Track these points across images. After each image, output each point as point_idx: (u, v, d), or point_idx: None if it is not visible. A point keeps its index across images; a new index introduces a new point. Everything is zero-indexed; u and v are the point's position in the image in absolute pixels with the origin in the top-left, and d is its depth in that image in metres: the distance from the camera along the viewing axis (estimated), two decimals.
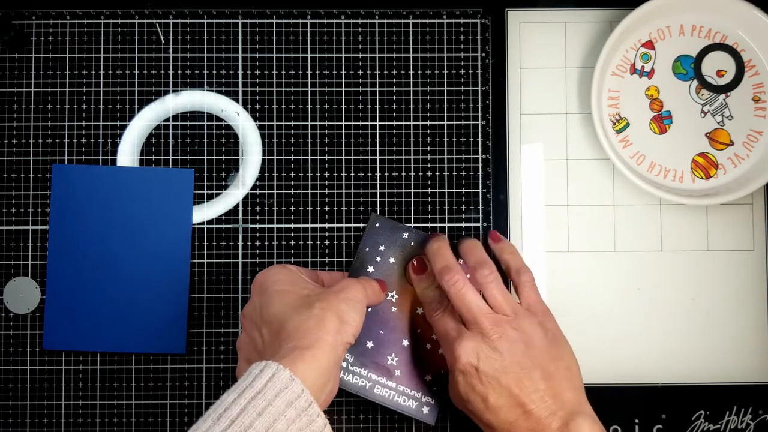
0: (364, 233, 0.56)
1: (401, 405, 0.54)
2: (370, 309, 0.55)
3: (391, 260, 0.55)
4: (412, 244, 0.56)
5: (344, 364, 0.54)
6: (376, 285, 0.51)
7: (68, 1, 0.58)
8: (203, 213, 0.57)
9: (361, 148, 0.58)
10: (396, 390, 0.54)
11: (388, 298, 0.55)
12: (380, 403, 0.54)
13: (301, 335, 0.43)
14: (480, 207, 0.58)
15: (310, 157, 0.58)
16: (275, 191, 0.57)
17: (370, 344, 0.55)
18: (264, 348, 0.45)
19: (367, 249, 0.55)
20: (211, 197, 0.57)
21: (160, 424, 0.56)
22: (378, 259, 0.55)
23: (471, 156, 0.58)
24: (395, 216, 0.57)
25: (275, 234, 0.57)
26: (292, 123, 0.58)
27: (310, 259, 0.57)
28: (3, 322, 0.56)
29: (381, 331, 0.55)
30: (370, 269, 0.55)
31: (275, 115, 0.58)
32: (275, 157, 0.58)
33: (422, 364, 0.55)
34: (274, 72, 0.58)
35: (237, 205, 0.57)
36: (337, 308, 0.45)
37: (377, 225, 0.56)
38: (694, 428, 0.57)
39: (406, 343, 0.55)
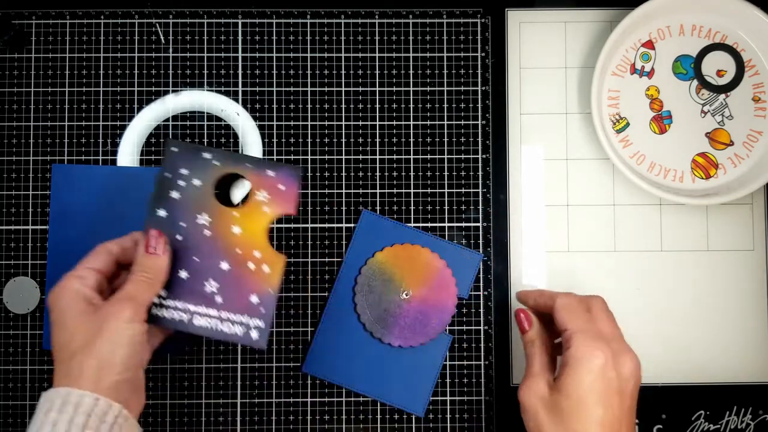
0: (162, 163, 0.51)
1: (227, 333, 0.49)
2: (180, 238, 0.50)
3: (197, 182, 0.51)
4: (218, 163, 0.51)
5: (157, 300, 0.49)
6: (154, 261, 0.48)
7: (68, 1, 0.58)
8: None
9: (361, 148, 0.58)
10: (219, 318, 0.49)
11: (198, 221, 0.50)
12: (203, 335, 0.49)
13: (66, 387, 0.43)
14: (480, 207, 0.58)
15: (310, 157, 0.58)
16: None
17: (184, 274, 0.49)
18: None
19: (168, 175, 0.51)
20: None
21: (160, 424, 0.56)
22: (182, 183, 0.51)
23: (471, 156, 0.58)
24: (395, 216, 0.57)
25: (275, 234, 0.57)
26: (292, 123, 0.58)
27: (309, 259, 0.57)
28: (3, 322, 0.56)
29: (195, 258, 0.50)
30: (174, 195, 0.50)
31: (275, 115, 0.58)
32: (275, 157, 0.58)
33: (246, 285, 0.50)
34: (274, 72, 0.58)
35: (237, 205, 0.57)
36: (97, 354, 0.43)
37: (175, 149, 0.51)
38: (694, 428, 0.57)
39: (225, 266, 0.50)
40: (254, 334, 0.49)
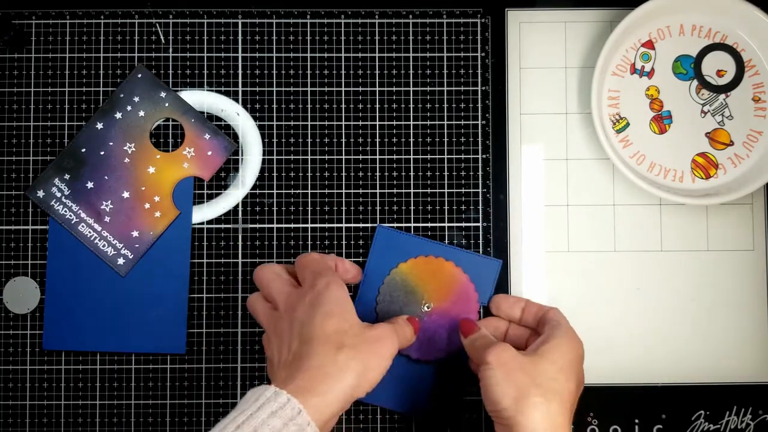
0: None
1: (99, 249, 0.55)
2: (103, 153, 0.55)
3: (141, 113, 0.56)
4: (167, 105, 0.56)
5: (59, 194, 0.56)
6: (410, 330, 0.50)
7: (68, 1, 0.58)
8: (203, 213, 0.57)
9: (361, 148, 0.58)
10: (100, 234, 0.55)
11: (125, 147, 0.55)
12: (81, 241, 0.55)
13: (318, 379, 0.42)
14: (480, 207, 0.58)
15: (310, 157, 0.58)
16: (275, 191, 0.57)
17: (90, 185, 0.55)
18: (281, 363, 0.45)
19: (121, 95, 0.56)
20: (211, 197, 0.57)
21: (160, 424, 0.56)
22: (128, 107, 0.56)
23: (471, 156, 0.58)
24: (395, 216, 0.57)
25: (275, 234, 0.57)
26: (292, 123, 0.58)
27: None
28: (3, 322, 0.56)
29: (105, 177, 0.56)
30: (117, 114, 0.56)
31: (275, 115, 0.58)
32: (275, 157, 0.58)
33: (134, 219, 0.55)
34: (274, 72, 0.58)
35: (237, 205, 0.57)
36: (364, 363, 0.44)
37: (139, 76, 0.56)
38: (694, 428, 0.57)
39: (126, 195, 0.55)
40: (120, 261, 0.56)
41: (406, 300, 0.55)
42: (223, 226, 0.57)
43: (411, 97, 0.58)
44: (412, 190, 0.58)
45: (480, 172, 0.58)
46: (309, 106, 0.58)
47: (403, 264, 0.56)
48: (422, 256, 0.56)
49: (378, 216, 0.57)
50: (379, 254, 0.56)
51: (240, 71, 0.58)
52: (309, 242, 0.57)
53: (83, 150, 0.56)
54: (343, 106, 0.58)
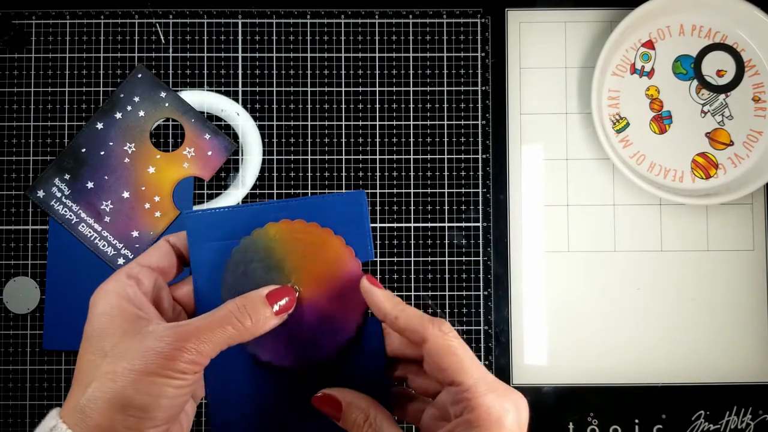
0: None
1: (99, 249, 0.55)
2: (103, 153, 0.52)
3: (141, 113, 0.54)
4: (168, 105, 0.52)
5: (59, 194, 0.56)
6: (262, 314, 0.35)
7: (68, 1, 0.58)
8: None
9: (361, 148, 0.58)
10: (100, 234, 0.55)
11: (125, 147, 0.54)
12: (81, 241, 0.55)
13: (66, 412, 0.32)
14: (480, 207, 0.58)
15: (310, 157, 0.58)
16: (275, 191, 0.57)
17: (90, 185, 0.55)
18: None
19: (121, 94, 0.52)
20: (211, 197, 0.57)
21: None
22: (129, 107, 0.52)
23: (471, 156, 0.58)
24: (395, 216, 0.57)
25: None
26: (292, 123, 0.58)
27: None
28: (3, 322, 0.56)
29: (105, 177, 0.56)
30: (117, 114, 0.53)
31: (275, 115, 0.58)
32: (275, 157, 0.58)
33: (134, 219, 0.55)
34: (274, 72, 0.58)
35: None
36: (122, 393, 0.31)
37: (139, 76, 0.52)
38: (694, 428, 0.57)
39: (126, 195, 0.55)
40: (120, 261, 0.56)
41: (264, 276, 0.37)
42: None
43: (411, 97, 0.58)
44: (412, 190, 0.58)
45: (480, 172, 0.58)
46: (309, 106, 0.58)
47: (272, 225, 0.38)
48: (302, 221, 0.38)
49: (378, 216, 0.57)
50: (201, 248, 0.38)
51: (240, 71, 0.58)
52: None
53: (83, 150, 0.56)
54: (343, 106, 0.58)
